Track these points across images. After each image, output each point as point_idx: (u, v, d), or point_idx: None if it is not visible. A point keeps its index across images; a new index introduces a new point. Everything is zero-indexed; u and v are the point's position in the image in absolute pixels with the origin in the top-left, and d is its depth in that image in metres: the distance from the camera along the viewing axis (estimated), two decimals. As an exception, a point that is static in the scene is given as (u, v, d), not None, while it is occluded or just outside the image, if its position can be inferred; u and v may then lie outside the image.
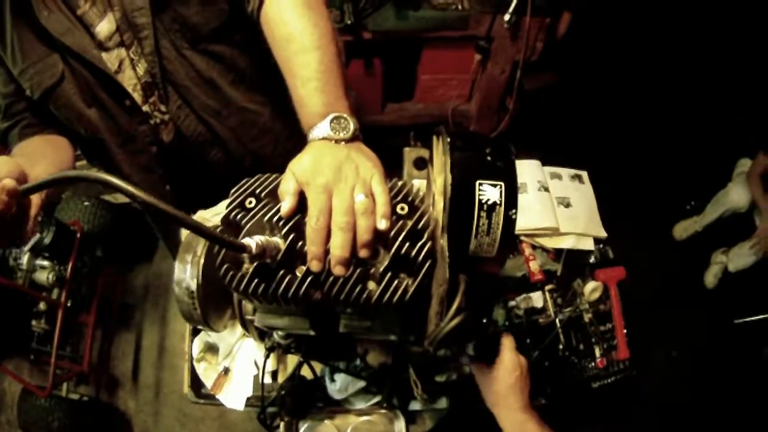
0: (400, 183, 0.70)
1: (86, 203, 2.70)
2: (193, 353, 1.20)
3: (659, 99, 2.85)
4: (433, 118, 2.35)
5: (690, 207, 2.76)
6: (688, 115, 2.80)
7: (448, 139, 0.68)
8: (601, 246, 1.28)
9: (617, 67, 2.74)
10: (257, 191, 0.69)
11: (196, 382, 1.22)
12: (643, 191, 2.70)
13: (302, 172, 0.66)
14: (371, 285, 0.62)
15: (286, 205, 0.64)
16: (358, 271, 0.61)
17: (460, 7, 1.88)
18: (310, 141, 0.76)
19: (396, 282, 0.61)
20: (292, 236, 0.62)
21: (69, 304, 2.35)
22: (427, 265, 0.62)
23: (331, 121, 0.74)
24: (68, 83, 1.09)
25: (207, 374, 1.19)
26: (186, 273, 0.80)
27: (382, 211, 0.64)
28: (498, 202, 0.66)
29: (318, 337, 0.80)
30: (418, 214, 0.66)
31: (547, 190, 1.37)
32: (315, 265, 0.61)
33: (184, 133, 1.19)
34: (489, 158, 0.70)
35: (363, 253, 0.62)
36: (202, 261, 0.80)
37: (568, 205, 1.35)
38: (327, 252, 0.61)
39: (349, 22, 1.82)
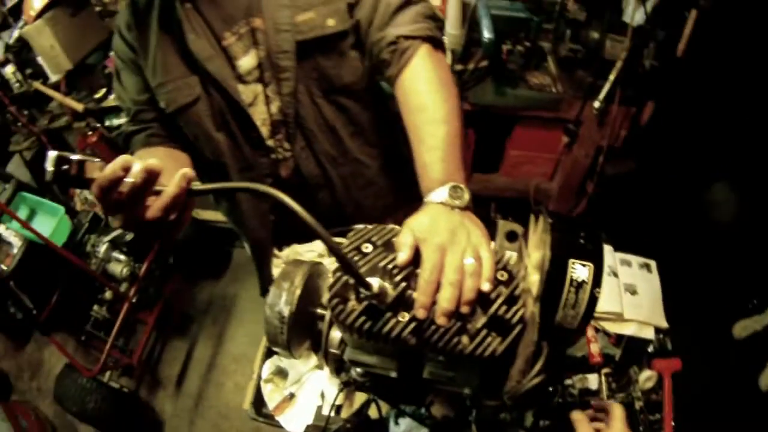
0: (501, 253, 0.78)
1: None
2: (263, 374, 1.28)
3: (731, 196, 2.84)
4: (516, 193, 2.41)
5: (752, 306, 2.67)
6: (757, 213, 2.77)
7: (550, 220, 0.77)
8: (661, 336, 1.30)
9: (694, 159, 2.75)
10: (374, 239, 0.77)
11: (258, 401, 1.29)
12: (707, 285, 2.66)
13: (420, 229, 0.75)
14: (465, 339, 0.68)
15: (403, 256, 0.72)
16: (456, 324, 0.68)
17: (554, 90, 1.98)
18: (427, 203, 0.85)
19: (488, 339, 0.68)
20: (403, 284, 0.71)
21: (134, 300, 2.51)
22: (519, 328, 0.69)
23: (450, 189, 0.83)
24: (202, 105, 1.16)
25: (272, 396, 1.26)
26: (281, 299, 0.85)
27: (487, 275, 0.71)
28: (586, 280, 0.73)
29: (396, 380, 0.85)
30: (514, 282, 0.73)
31: (616, 275, 1.42)
32: (421, 313, 0.68)
33: (302, 172, 1.27)
34: (582, 241, 0.78)
35: (464, 309, 0.68)
36: (298, 291, 0.85)
37: (634, 293, 1.39)
38: (433, 303, 0.69)
39: (452, 93, 1.94)
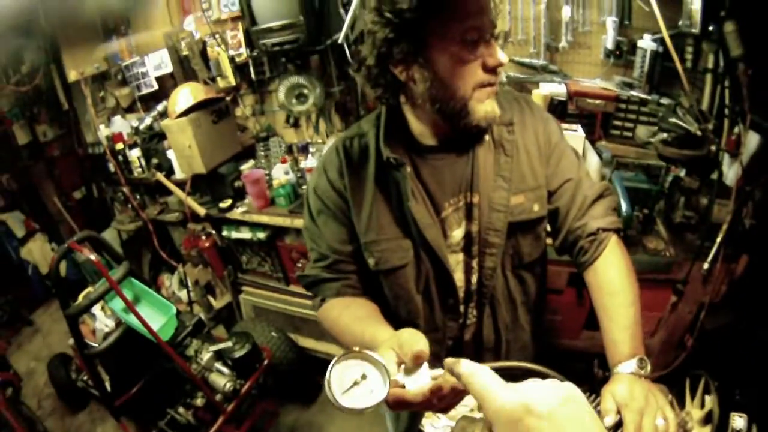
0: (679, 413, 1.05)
1: (274, 334, 3.08)
2: None
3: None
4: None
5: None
6: None
7: (716, 383, 1.06)
8: None
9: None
10: None
11: None
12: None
13: (621, 397, 1.02)
14: None
15: (610, 420, 0.99)
16: None
17: (668, 253, 2.25)
18: (618, 373, 1.11)
19: None
20: None
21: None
22: None
23: (638, 361, 1.10)
24: (410, 268, 1.29)
25: None
26: None
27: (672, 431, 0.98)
28: (743, 428, 1.01)
29: None
30: None
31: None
32: None
33: (483, 337, 1.41)
34: (737, 397, 1.07)
35: None
36: None
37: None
38: None
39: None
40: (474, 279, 1.34)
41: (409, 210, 1.22)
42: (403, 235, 1.27)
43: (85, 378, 3.15)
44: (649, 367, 1.10)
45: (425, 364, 0.85)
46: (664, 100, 2.32)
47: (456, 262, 1.33)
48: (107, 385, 2.70)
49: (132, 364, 2.69)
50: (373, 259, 1.28)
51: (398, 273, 1.30)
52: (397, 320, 1.32)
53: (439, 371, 0.85)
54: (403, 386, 0.80)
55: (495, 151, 1.27)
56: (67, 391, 3.52)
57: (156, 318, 2.53)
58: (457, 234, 1.31)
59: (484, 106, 1.13)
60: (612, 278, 1.26)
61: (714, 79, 2.21)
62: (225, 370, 2.66)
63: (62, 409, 3.64)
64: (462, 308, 1.38)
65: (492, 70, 1.11)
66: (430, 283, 1.32)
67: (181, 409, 2.73)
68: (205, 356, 2.64)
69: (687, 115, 2.17)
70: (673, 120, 2.17)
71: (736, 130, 2.13)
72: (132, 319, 2.36)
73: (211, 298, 3.68)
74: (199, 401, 2.69)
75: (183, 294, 3.66)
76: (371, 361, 0.78)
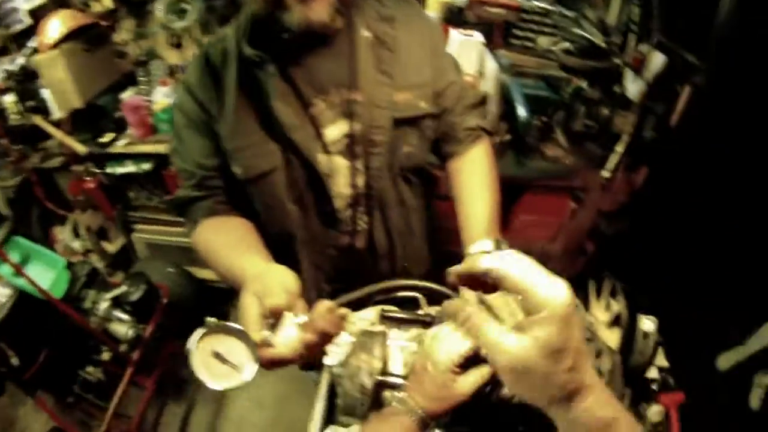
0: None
1: (170, 269, 2.93)
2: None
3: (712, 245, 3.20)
4: (521, 254, 2.64)
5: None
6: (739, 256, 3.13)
7: (622, 284, 1.05)
8: (663, 373, 1.44)
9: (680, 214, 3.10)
10: None
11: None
12: (693, 324, 2.99)
13: None
14: None
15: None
16: None
17: (567, 161, 2.29)
18: (471, 254, 1.16)
19: None
20: None
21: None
22: (606, 378, 0.93)
23: (494, 242, 1.15)
24: (280, 174, 1.22)
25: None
26: (361, 370, 0.92)
27: None
28: (652, 330, 1.02)
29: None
30: (596, 338, 0.97)
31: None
32: None
33: (375, 244, 1.38)
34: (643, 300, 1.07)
35: None
36: (379, 363, 0.94)
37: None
38: None
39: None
40: (361, 182, 1.29)
41: (273, 110, 1.17)
42: (270, 139, 1.21)
43: (-5, 359, 2.90)
44: (505, 247, 1.11)
45: (289, 315, 0.81)
46: (569, 12, 2.31)
47: (333, 165, 1.27)
48: (13, 360, 2.44)
49: (34, 332, 2.48)
50: (240, 167, 1.22)
51: (267, 180, 1.23)
52: (270, 233, 1.28)
53: (303, 318, 0.83)
54: (271, 344, 0.77)
55: (376, 47, 1.24)
56: (-22, 377, 3.23)
57: (46, 275, 2.37)
58: (333, 132, 1.24)
59: (300, 12, 1.08)
60: (475, 172, 1.35)
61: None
62: (124, 316, 2.50)
63: (-22, 400, 3.35)
64: (350, 214, 1.34)
65: None
66: (303, 190, 1.27)
67: (89, 368, 2.60)
68: (102, 306, 2.48)
69: (592, 27, 2.17)
70: (577, 31, 2.16)
71: (642, 48, 2.16)
72: (23, 282, 2.21)
73: (106, 244, 3.45)
74: (105, 355, 2.55)
75: (77, 244, 3.38)
76: (232, 332, 0.75)
